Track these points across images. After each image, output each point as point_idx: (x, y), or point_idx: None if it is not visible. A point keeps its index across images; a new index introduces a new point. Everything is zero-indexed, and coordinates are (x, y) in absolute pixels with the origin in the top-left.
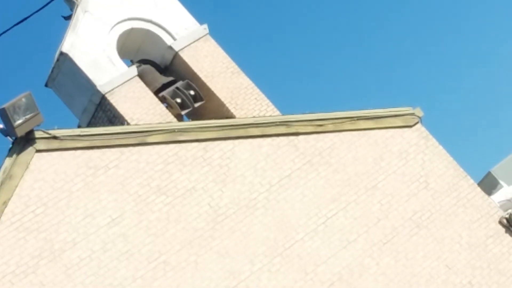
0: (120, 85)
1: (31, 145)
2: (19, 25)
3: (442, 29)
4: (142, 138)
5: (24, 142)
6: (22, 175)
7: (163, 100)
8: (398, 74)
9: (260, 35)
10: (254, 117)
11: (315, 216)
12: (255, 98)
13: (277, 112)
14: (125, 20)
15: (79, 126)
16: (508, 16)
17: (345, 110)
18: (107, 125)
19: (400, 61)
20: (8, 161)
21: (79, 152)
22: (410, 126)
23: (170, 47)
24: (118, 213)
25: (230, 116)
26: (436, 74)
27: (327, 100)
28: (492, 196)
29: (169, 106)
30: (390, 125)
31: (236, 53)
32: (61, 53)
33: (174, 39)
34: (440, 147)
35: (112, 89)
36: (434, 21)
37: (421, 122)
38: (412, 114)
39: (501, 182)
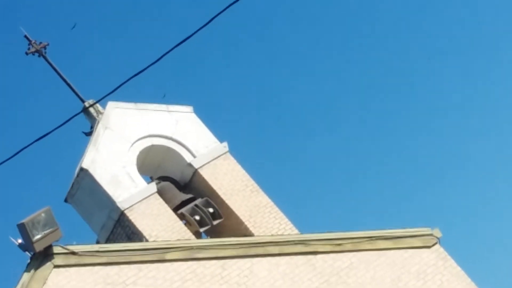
0: (139, 201)
1: (49, 260)
2: (40, 140)
3: (459, 154)
4: (160, 255)
5: (42, 257)
6: None
7: (182, 217)
8: (417, 194)
9: (279, 154)
10: (272, 235)
11: None
12: (274, 217)
13: (296, 231)
14: (145, 137)
15: (97, 242)
16: None
17: (363, 230)
18: (126, 242)
19: (419, 181)
20: (26, 276)
21: (97, 268)
22: (429, 247)
23: (190, 165)
24: None
25: (249, 234)
26: (455, 194)
27: (345, 220)
28: None
29: (187, 223)
30: (409, 246)
31: (255, 171)
32: (81, 169)
33: (194, 156)
34: (459, 268)
35: (131, 206)
36: (456, 143)
37: (439, 242)
38: (431, 234)
39: None
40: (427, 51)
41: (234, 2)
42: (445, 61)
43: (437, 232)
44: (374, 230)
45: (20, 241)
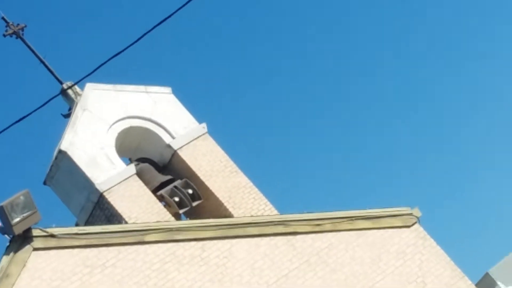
0: (118, 183)
1: (29, 243)
2: (18, 123)
3: (443, 132)
4: (140, 237)
5: (21, 240)
6: (19, 274)
7: (161, 198)
8: (396, 174)
9: (258, 135)
10: (252, 216)
11: None
12: (253, 198)
13: (275, 212)
14: (124, 118)
15: (76, 225)
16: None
17: (342, 210)
18: (105, 224)
19: (398, 161)
20: (5, 259)
21: (76, 250)
22: (408, 226)
23: (169, 146)
24: None
25: (228, 215)
26: (435, 174)
27: (324, 200)
28: None
29: (167, 205)
30: (388, 225)
31: (234, 152)
32: (60, 151)
33: (173, 137)
34: (438, 248)
35: (110, 188)
36: (435, 125)
37: (419, 222)
38: (410, 214)
39: (499, 283)
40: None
41: None
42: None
43: (417, 212)
44: (354, 210)
45: None
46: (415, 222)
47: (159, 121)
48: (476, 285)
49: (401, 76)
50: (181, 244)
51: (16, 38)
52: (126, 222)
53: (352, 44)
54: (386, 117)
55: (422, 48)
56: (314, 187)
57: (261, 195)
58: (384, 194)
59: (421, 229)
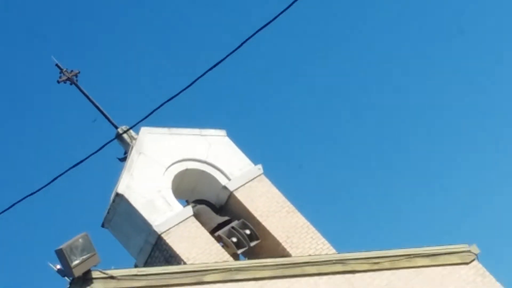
0: (176, 225)
1: (88, 285)
2: (75, 167)
3: (502, 168)
4: (199, 277)
5: (81, 282)
6: None
7: (219, 239)
8: (454, 211)
9: (314, 175)
10: (310, 255)
11: None
12: (311, 237)
13: (333, 251)
14: (179, 161)
15: (135, 266)
16: None
17: (400, 248)
18: (164, 265)
19: (456, 198)
20: None
21: None
22: (467, 263)
23: (225, 187)
24: None
25: (286, 254)
26: (493, 210)
27: (382, 238)
28: None
29: (225, 246)
30: (447, 263)
31: (290, 192)
32: (117, 194)
33: (229, 179)
34: (498, 284)
35: (168, 229)
36: (495, 161)
37: (477, 259)
38: (469, 251)
39: None
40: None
41: (264, 26)
42: None
43: (475, 249)
44: (412, 247)
45: (58, 266)
46: (474, 259)
47: (215, 163)
48: None
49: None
50: (240, 284)
51: (71, 84)
52: (184, 263)
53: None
54: (444, 153)
55: None
56: (371, 225)
57: (318, 234)
58: (442, 231)
59: (480, 265)
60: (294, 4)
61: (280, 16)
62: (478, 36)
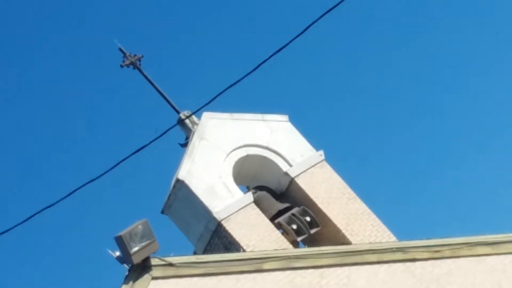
0: (236, 211)
1: (147, 272)
2: (137, 153)
3: None
4: (258, 265)
5: (140, 269)
6: None
7: (279, 226)
8: None
9: (376, 161)
10: (370, 243)
11: None
12: (371, 224)
13: (394, 238)
14: (241, 147)
15: (194, 253)
16: None
17: (461, 236)
18: (223, 252)
19: None
20: None
21: (195, 279)
22: None
23: (286, 174)
24: None
25: (346, 242)
26: None
27: (443, 226)
28: None
29: (285, 233)
30: (509, 251)
31: (352, 179)
32: (178, 180)
33: (290, 165)
34: None
35: (228, 216)
36: None
37: None
38: None
39: None
40: None
41: (328, 11)
42: None
43: None
44: (473, 236)
45: (118, 253)
46: None
47: (276, 149)
48: None
49: None
50: (299, 272)
51: (134, 68)
52: (244, 250)
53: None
54: (503, 140)
55: None
56: (432, 213)
57: (379, 221)
58: (503, 219)
59: None
60: None
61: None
62: None
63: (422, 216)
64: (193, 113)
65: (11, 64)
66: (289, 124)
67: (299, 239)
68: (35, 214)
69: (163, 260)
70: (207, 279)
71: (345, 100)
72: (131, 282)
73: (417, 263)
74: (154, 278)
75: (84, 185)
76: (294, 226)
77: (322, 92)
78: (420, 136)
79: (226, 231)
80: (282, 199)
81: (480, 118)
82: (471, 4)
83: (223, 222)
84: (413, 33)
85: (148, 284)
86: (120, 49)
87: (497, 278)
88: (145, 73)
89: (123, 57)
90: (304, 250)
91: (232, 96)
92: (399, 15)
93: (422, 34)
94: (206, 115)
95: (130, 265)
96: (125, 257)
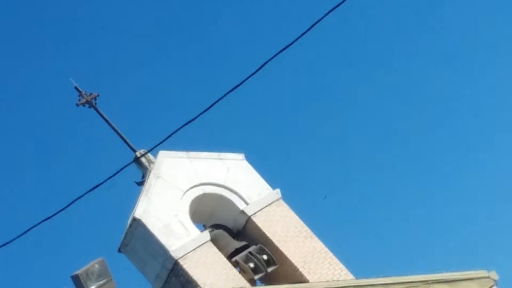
0: (193, 250)
1: None
2: (92, 191)
3: None
4: None
5: None
6: None
7: (236, 265)
8: (472, 235)
9: (332, 199)
10: (327, 281)
11: None
12: (329, 262)
13: (351, 276)
14: (197, 185)
15: None
16: None
17: (418, 274)
18: None
19: (474, 222)
20: None
21: None
22: None
23: (243, 212)
24: None
25: (304, 280)
26: (511, 235)
27: (399, 264)
28: None
29: (242, 271)
30: None
31: (308, 217)
32: (134, 219)
33: (247, 203)
34: None
35: (185, 254)
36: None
37: (496, 285)
38: (487, 277)
39: None
40: None
41: (282, 50)
42: None
43: (494, 275)
44: (429, 273)
45: None
46: (493, 285)
47: (233, 187)
48: None
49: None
50: None
51: (90, 107)
52: None
53: None
54: (461, 179)
55: None
56: (388, 250)
57: (336, 259)
58: (460, 257)
59: None
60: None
61: (299, 40)
62: None
63: (379, 254)
64: (149, 151)
65: None
66: (246, 163)
67: (256, 277)
68: None
69: None
70: None
71: (300, 138)
72: None
73: None
74: None
75: (40, 223)
76: (251, 265)
77: (277, 130)
78: (376, 174)
79: (183, 270)
80: (239, 238)
81: (431, 162)
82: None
83: (180, 261)
84: (363, 71)
85: None
86: (76, 88)
87: None
88: (101, 111)
89: (79, 95)
90: None
91: (188, 134)
92: (349, 54)
93: (376, 71)
94: (162, 154)
95: None
96: None
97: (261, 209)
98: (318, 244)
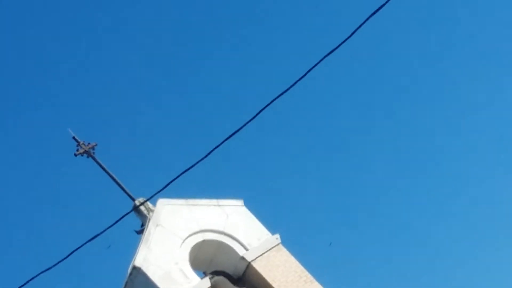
0: None
1: None
2: (91, 241)
3: None
4: None
5: None
6: None
7: None
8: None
9: (332, 243)
10: None
11: None
12: None
13: None
14: (197, 232)
15: None
16: None
17: None
18: None
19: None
20: None
21: None
22: None
23: (243, 258)
24: None
25: None
26: None
27: None
28: None
29: None
30: None
31: (309, 262)
32: (134, 267)
33: (246, 249)
34: None
35: None
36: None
37: None
38: None
39: None
40: None
41: (278, 97)
42: None
43: None
44: None
45: None
46: None
47: (232, 233)
48: None
49: None
50: None
51: (88, 157)
52: None
53: None
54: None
55: None
56: None
57: None
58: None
59: None
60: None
61: (294, 87)
62: None
63: None
64: (148, 200)
65: None
66: (245, 209)
67: None
68: None
69: None
70: None
71: (299, 183)
72: None
73: None
74: None
75: (39, 274)
76: None
77: (275, 175)
78: (378, 217)
79: None
80: (239, 284)
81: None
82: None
83: None
84: (360, 111)
85: None
86: (74, 138)
87: None
88: (99, 161)
89: (77, 145)
90: None
91: (187, 182)
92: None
93: (377, 119)
94: (161, 202)
95: None
96: None
97: (261, 255)
98: None
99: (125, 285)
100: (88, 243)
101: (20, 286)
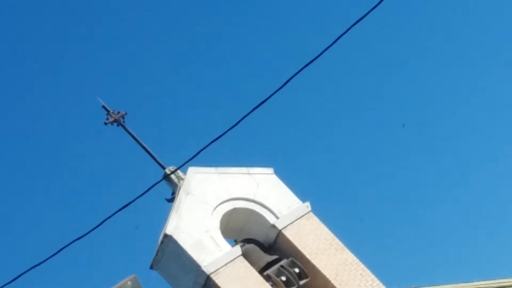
0: (224, 265)
1: None
2: (123, 210)
3: None
4: None
5: None
6: None
7: (268, 278)
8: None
9: (361, 210)
10: None
11: None
12: (360, 274)
13: (383, 287)
14: (227, 200)
15: None
16: None
17: (452, 283)
18: None
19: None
20: None
21: None
22: None
23: (273, 226)
24: None
25: None
26: None
27: (432, 273)
28: None
29: (274, 285)
30: None
31: (339, 229)
32: (165, 235)
33: (277, 217)
34: None
35: (217, 270)
36: None
37: None
38: None
39: None
40: None
41: (309, 64)
42: None
43: None
44: (464, 282)
45: None
46: None
47: (263, 201)
48: None
49: None
50: None
51: (118, 126)
52: None
53: None
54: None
55: None
56: (422, 260)
57: (368, 271)
58: (493, 264)
59: None
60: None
61: (326, 53)
62: None
63: (412, 264)
64: (178, 168)
65: None
66: (275, 177)
67: None
68: (23, 273)
69: None
70: None
71: (329, 150)
72: None
73: None
74: None
75: (71, 242)
76: (283, 278)
77: (306, 143)
78: (406, 182)
79: (215, 285)
80: (270, 251)
81: (452, 171)
82: None
83: (212, 276)
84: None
85: None
86: (104, 107)
87: None
88: (129, 129)
89: (107, 114)
90: None
91: (217, 150)
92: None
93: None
94: (191, 170)
95: None
96: None
97: (292, 223)
98: (349, 256)
99: (156, 253)
100: (119, 212)
101: (53, 254)
